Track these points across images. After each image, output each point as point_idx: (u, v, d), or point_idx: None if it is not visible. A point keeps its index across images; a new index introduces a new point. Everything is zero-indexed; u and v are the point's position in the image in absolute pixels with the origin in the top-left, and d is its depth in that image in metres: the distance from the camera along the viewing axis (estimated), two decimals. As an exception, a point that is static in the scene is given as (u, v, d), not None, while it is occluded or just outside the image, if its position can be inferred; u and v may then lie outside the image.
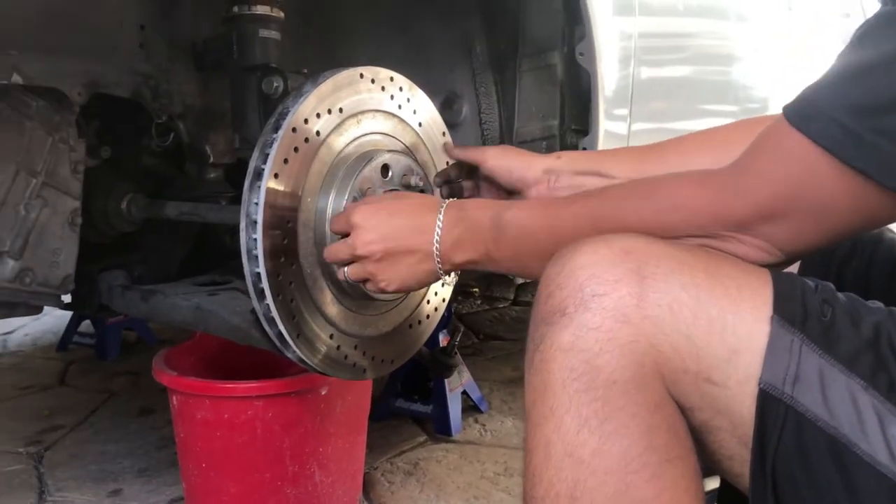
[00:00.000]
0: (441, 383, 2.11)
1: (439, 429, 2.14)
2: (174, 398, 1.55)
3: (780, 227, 0.75)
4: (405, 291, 1.17)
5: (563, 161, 1.18)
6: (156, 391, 2.45)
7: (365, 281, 1.10)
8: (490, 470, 1.93)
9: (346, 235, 1.09)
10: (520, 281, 1.85)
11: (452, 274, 1.10)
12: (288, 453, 1.51)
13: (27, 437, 2.18)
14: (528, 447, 0.76)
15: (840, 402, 0.69)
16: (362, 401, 1.70)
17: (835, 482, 0.69)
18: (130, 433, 2.20)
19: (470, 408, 2.27)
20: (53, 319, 3.43)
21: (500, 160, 1.22)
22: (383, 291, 1.09)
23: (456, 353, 1.93)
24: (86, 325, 3.01)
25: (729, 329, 0.71)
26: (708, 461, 0.79)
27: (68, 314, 3.03)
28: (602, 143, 1.62)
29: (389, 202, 1.08)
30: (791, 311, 0.72)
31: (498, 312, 3.50)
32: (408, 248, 1.02)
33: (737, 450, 0.75)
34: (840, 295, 0.75)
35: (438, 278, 1.05)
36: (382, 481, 1.87)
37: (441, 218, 1.00)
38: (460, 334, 1.92)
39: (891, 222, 0.77)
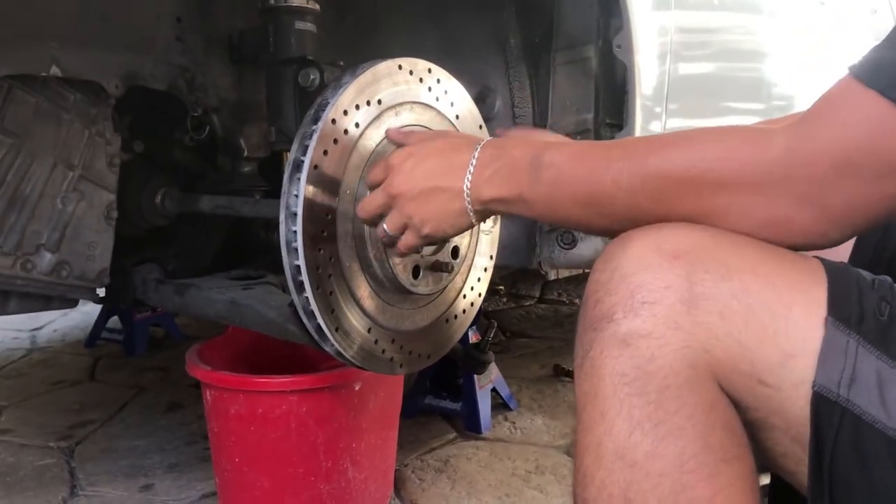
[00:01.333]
0: (470, 380, 2.09)
1: (469, 426, 2.13)
2: (208, 393, 1.55)
3: (843, 196, 0.70)
4: (442, 237, 1.08)
5: None
6: (184, 387, 2.47)
7: (403, 229, 1.04)
8: (521, 468, 1.92)
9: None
10: (552, 276, 1.83)
11: (490, 222, 1.06)
12: (321, 448, 1.50)
13: (58, 431, 2.19)
14: (578, 450, 0.75)
15: None
16: (394, 397, 1.69)
17: (893, 483, 0.68)
18: (160, 428, 2.20)
19: (499, 405, 2.26)
20: (81, 316, 3.45)
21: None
22: (422, 238, 1.03)
23: (489, 350, 1.91)
24: (113, 322, 3.02)
25: (781, 333, 0.70)
26: (762, 457, 0.77)
27: (96, 310, 3.05)
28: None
29: (427, 143, 1.04)
30: (846, 310, 0.70)
31: (524, 310, 3.48)
32: (440, 185, 0.98)
33: (790, 447, 0.74)
34: None
35: (471, 221, 0.99)
36: (413, 478, 1.86)
37: (476, 155, 0.95)
38: (493, 330, 1.91)
39: None
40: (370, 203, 1.07)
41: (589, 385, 0.74)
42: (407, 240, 1.05)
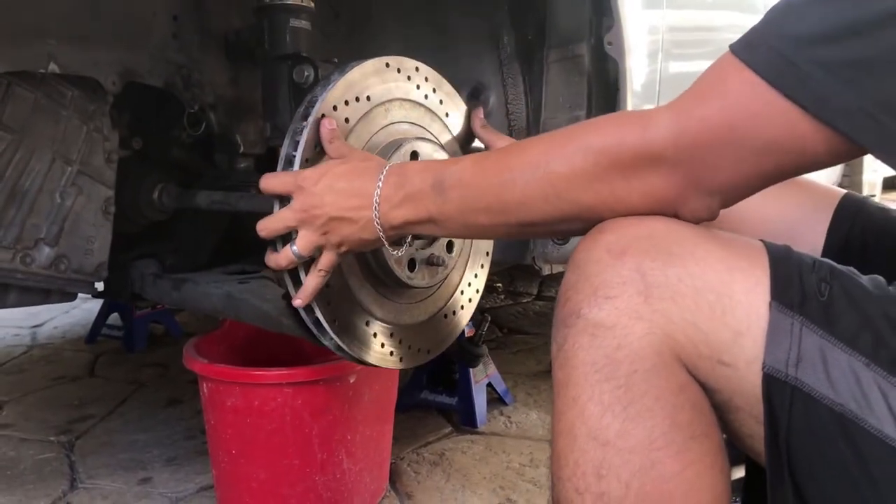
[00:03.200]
0: (466, 375, 2.11)
1: (465, 420, 2.15)
2: (204, 385, 1.57)
3: (731, 163, 0.75)
4: (363, 251, 1.13)
5: None
6: (183, 383, 2.49)
7: (315, 250, 1.06)
8: (515, 461, 1.93)
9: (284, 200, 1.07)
10: (546, 271, 1.84)
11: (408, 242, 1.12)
12: (316, 440, 1.52)
13: (58, 426, 2.21)
14: (553, 433, 0.79)
15: (843, 379, 0.70)
16: (389, 390, 1.71)
17: (846, 457, 0.70)
18: (159, 423, 2.22)
19: (495, 400, 2.28)
20: (82, 312, 3.48)
21: None
22: (340, 256, 1.07)
23: (483, 343, 1.93)
24: (114, 318, 3.05)
25: (728, 312, 0.73)
26: (732, 440, 0.81)
27: (97, 307, 3.07)
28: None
29: (335, 166, 1.05)
30: (789, 294, 0.73)
31: (522, 307, 3.50)
32: (351, 216, 1.01)
33: (755, 428, 0.76)
34: (840, 269, 0.76)
35: (385, 244, 1.04)
36: (409, 471, 1.88)
37: (380, 185, 0.99)
38: (487, 324, 1.93)
39: (830, 164, 0.76)
40: (278, 222, 1.06)
41: (563, 374, 0.78)
42: (327, 259, 1.07)
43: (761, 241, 0.79)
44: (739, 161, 0.74)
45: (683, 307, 0.74)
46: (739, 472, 0.93)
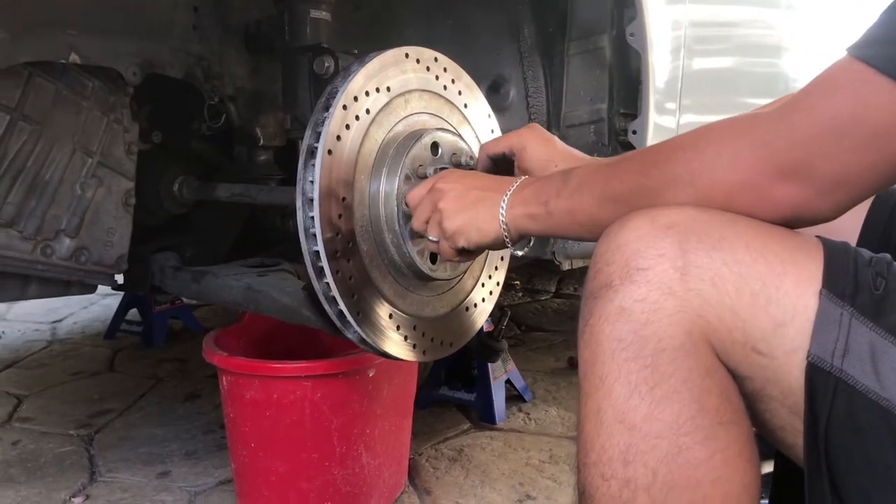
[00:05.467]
0: (485, 371, 2.10)
1: (483, 416, 2.13)
2: (224, 378, 1.56)
3: (828, 166, 0.71)
4: (463, 237, 1.08)
5: None
6: (202, 378, 2.49)
7: (428, 221, 1.08)
8: (535, 458, 1.92)
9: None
10: (566, 266, 1.83)
11: (517, 247, 1.11)
12: (336, 434, 1.52)
13: (78, 420, 2.22)
14: (580, 417, 0.77)
15: (892, 373, 0.68)
16: (408, 384, 1.70)
17: (888, 452, 0.68)
18: (178, 417, 2.22)
19: (514, 397, 2.26)
20: (101, 308, 3.49)
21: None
22: (444, 233, 1.06)
23: (502, 338, 1.92)
24: (132, 314, 3.06)
25: (773, 302, 0.71)
26: (761, 431, 0.79)
27: (116, 303, 3.08)
28: (652, 126, 1.60)
29: (463, 173, 1.10)
30: (841, 284, 0.71)
31: (540, 304, 3.48)
32: (480, 196, 1.03)
33: (788, 419, 0.74)
34: None
35: (499, 233, 1.01)
36: (427, 467, 1.87)
37: (517, 182, 1.01)
38: (507, 319, 1.91)
39: None
40: (416, 193, 1.12)
41: (589, 352, 0.76)
42: (430, 228, 1.08)
43: (818, 237, 0.76)
44: (855, 151, 0.70)
45: (723, 291, 0.72)
46: (767, 468, 0.91)
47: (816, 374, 0.70)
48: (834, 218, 0.76)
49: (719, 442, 0.71)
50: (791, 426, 0.74)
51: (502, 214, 0.99)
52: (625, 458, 0.71)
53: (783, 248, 0.74)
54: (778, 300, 0.71)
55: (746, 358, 0.73)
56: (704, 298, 0.72)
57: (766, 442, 0.81)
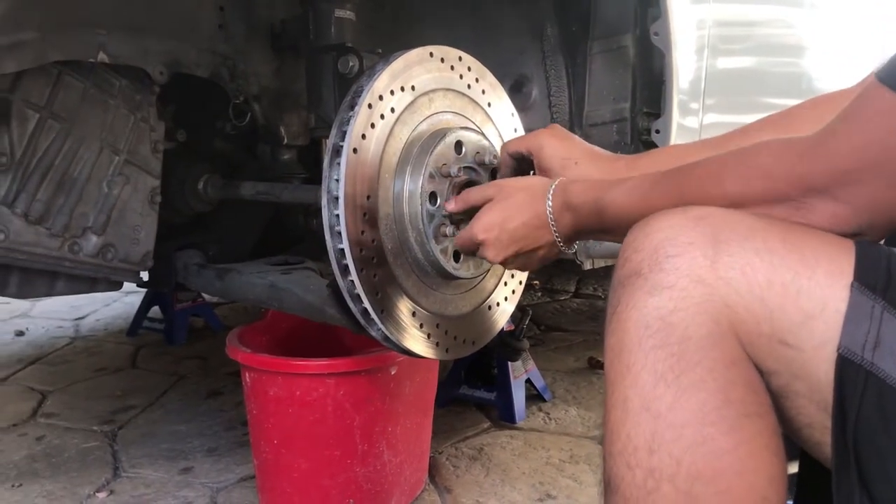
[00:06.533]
0: (505, 371, 2.10)
1: (503, 416, 2.13)
2: (247, 375, 1.57)
3: (865, 190, 0.73)
4: (526, 269, 1.23)
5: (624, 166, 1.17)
6: (223, 375, 2.51)
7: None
8: (555, 457, 1.92)
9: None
10: (588, 266, 1.82)
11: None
12: (358, 431, 1.52)
13: (101, 416, 2.24)
14: (606, 406, 0.77)
15: None
16: (430, 382, 1.70)
17: None
18: (199, 414, 2.24)
19: (533, 396, 2.26)
20: (123, 305, 3.52)
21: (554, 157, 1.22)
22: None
23: (524, 338, 1.92)
24: (154, 311, 3.08)
25: (804, 293, 0.71)
26: (787, 430, 0.78)
27: (138, 300, 3.11)
28: (676, 126, 1.59)
29: (500, 210, 1.11)
30: (873, 277, 0.71)
31: (559, 304, 3.48)
32: (535, 245, 1.09)
33: (816, 416, 0.74)
34: None
35: (558, 252, 1.11)
36: (447, 465, 1.88)
37: (550, 208, 1.05)
38: (528, 318, 1.91)
39: None
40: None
41: (615, 339, 0.76)
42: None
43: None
44: (878, 182, 0.72)
45: (753, 281, 0.72)
46: (792, 468, 0.90)
47: (846, 367, 0.69)
48: (876, 238, 0.77)
49: (744, 433, 0.70)
50: (819, 423, 0.74)
51: (562, 247, 1.08)
52: (650, 447, 0.71)
53: (815, 241, 0.74)
54: (809, 291, 0.71)
55: (773, 351, 0.72)
56: (733, 287, 0.72)
57: (791, 442, 0.81)
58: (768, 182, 0.78)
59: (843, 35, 2.40)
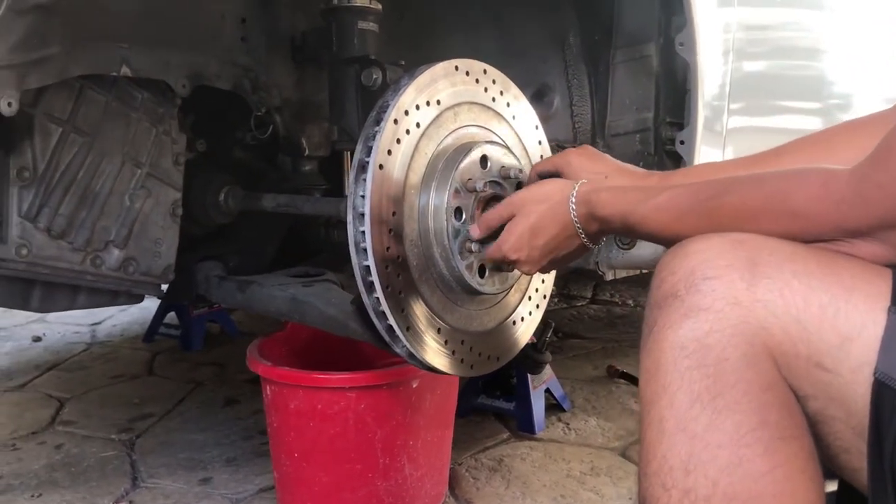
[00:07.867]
0: (524, 380, 2.08)
1: (522, 426, 2.12)
2: (267, 388, 1.57)
3: None
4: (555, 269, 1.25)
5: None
6: (240, 382, 2.50)
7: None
8: (576, 469, 1.90)
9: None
10: (610, 276, 1.81)
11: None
12: (379, 445, 1.51)
13: (119, 424, 2.24)
14: (642, 426, 0.77)
15: None
16: (450, 395, 1.69)
17: None
18: (217, 423, 2.23)
19: (553, 406, 2.24)
20: (139, 311, 3.52)
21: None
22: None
23: (546, 350, 1.91)
24: (170, 317, 3.08)
25: (841, 316, 0.71)
26: (824, 456, 0.77)
27: (154, 306, 3.11)
28: (700, 136, 1.57)
29: (527, 229, 1.11)
30: None
31: (576, 311, 3.46)
32: (567, 251, 1.12)
33: (853, 442, 0.73)
34: None
35: (584, 251, 1.14)
36: (467, 477, 1.86)
37: (576, 218, 1.06)
38: (550, 331, 1.90)
39: None
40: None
41: (651, 360, 0.76)
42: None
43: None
44: None
45: (790, 302, 0.72)
46: (830, 486, 0.89)
47: (883, 392, 0.69)
48: None
49: (780, 456, 0.70)
50: (855, 448, 0.73)
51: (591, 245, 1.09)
52: (686, 468, 0.71)
53: (853, 266, 0.74)
54: (846, 314, 0.71)
55: (810, 375, 0.72)
56: (770, 310, 0.72)
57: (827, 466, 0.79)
58: (806, 224, 0.78)
59: (863, 38, 2.38)
